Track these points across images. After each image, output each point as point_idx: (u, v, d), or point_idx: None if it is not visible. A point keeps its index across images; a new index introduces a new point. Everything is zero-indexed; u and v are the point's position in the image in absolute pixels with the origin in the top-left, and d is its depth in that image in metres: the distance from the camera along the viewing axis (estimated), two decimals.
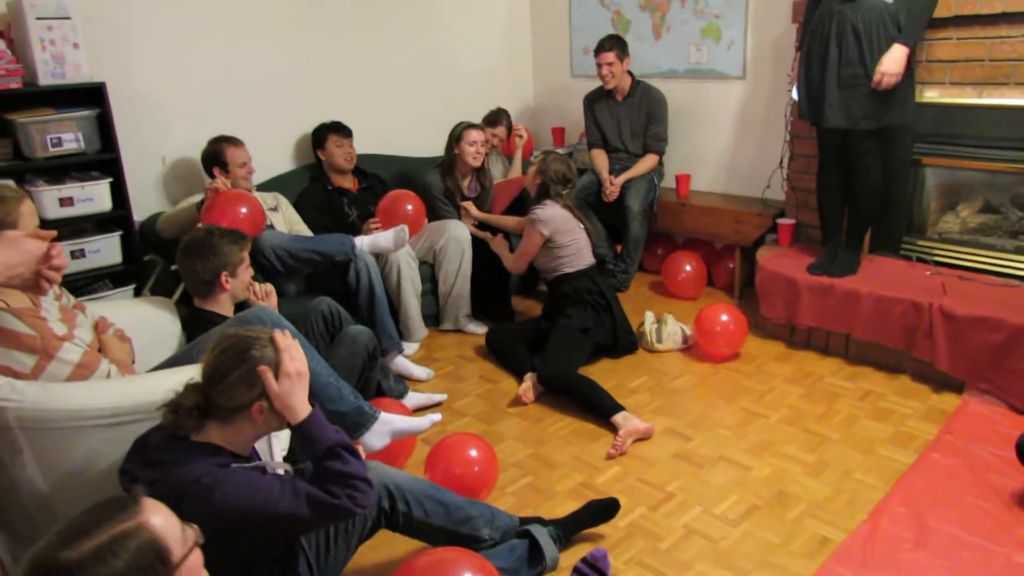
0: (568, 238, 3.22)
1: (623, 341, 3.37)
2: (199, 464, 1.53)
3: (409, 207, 3.44)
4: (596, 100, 4.37)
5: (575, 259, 3.27)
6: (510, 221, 3.61)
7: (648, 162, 4.26)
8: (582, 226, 3.28)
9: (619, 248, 4.17)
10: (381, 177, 3.99)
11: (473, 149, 3.73)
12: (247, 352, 1.61)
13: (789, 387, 3.19)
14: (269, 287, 2.63)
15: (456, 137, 3.75)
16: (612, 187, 4.12)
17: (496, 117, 4.34)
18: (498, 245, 3.57)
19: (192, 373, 1.81)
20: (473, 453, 2.36)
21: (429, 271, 3.76)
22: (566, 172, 3.24)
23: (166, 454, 1.57)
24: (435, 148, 4.62)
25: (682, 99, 4.42)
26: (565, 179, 3.25)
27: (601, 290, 3.29)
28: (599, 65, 4.11)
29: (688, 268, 4.10)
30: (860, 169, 3.26)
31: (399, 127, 4.44)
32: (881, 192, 3.34)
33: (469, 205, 3.72)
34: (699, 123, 4.41)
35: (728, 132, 4.32)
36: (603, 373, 3.36)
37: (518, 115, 5.20)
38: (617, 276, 4.10)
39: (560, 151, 4.61)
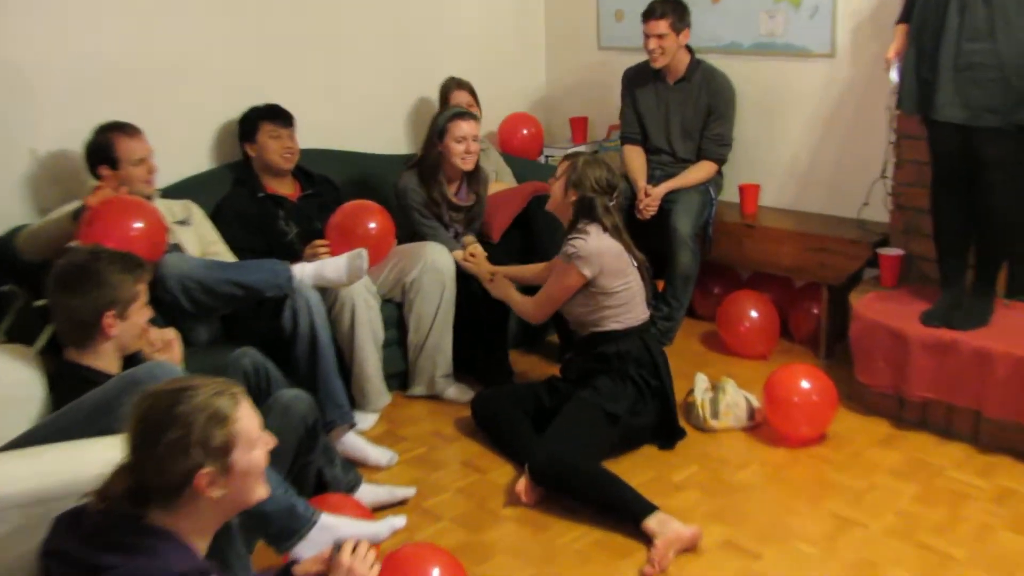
0: (619, 282, 3.25)
1: (672, 435, 3.41)
2: (179, 559, 1.64)
3: (371, 225, 3.47)
4: (640, 80, 4.40)
5: (625, 312, 3.29)
6: (534, 272, 3.65)
7: (702, 171, 4.31)
8: (635, 262, 3.31)
9: (660, 285, 4.16)
10: (332, 181, 4.01)
11: (462, 147, 3.78)
12: (174, 409, 1.68)
13: (896, 484, 3.18)
14: (171, 333, 2.65)
15: (439, 131, 3.80)
16: (648, 200, 4.15)
17: (449, 87, 4.39)
18: (501, 288, 3.60)
19: (64, 455, 1.84)
20: (435, 573, 2.33)
21: (396, 313, 3.76)
22: (608, 177, 3.29)
23: (124, 535, 1.66)
24: (406, 144, 4.70)
25: (749, 83, 4.45)
26: (609, 186, 3.29)
27: (655, 362, 3.30)
28: (646, 36, 4.18)
29: (755, 315, 4.10)
30: (989, 183, 3.29)
31: (358, 115, 4.46)
32: (1019, 216, 3.36)
33: (476, 250, 3.79)
34: (772, 116, 4.45)
35: (811, 129, 4.37)
36: (636, 460, 3.34)
37: (525, 100, 5.26)
38: (657, 324, 4.07)
39: (582, 149, 4.68)
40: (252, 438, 1.77)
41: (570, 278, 3.25)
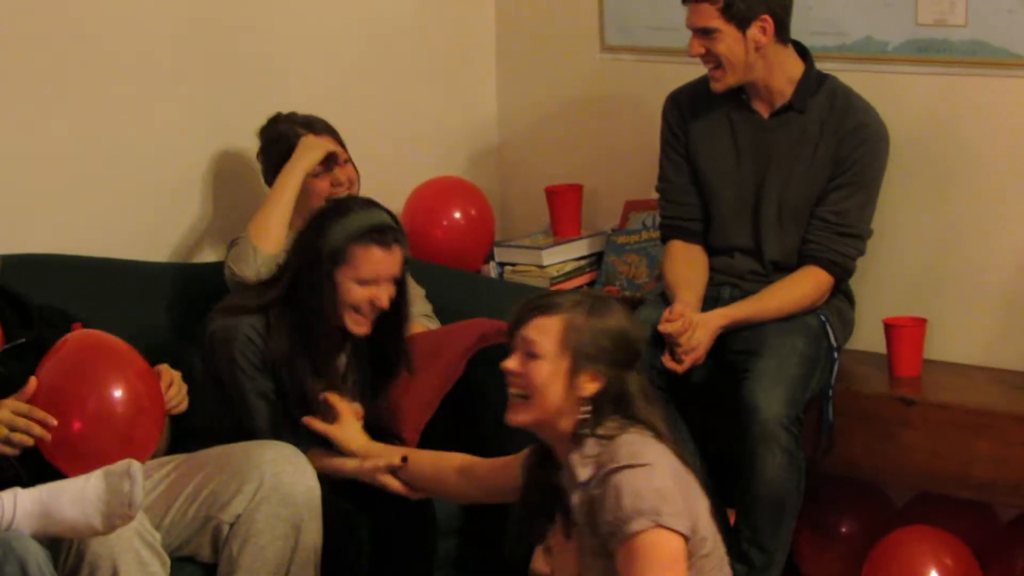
0: (704, 528, 2.73)
1: None
2: None
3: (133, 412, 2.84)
4: (702, 109, 3.66)
5: None
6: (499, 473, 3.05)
7: (801, 287, 3.57)
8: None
9: (731, 516, 3.49)
10: (69, 315, 3.26)
11: (366, 294, 3.19)
12: None
13: None
14: None
15: (333, 254, 3.18)
16: (682, 333, 3.37)
17: (282, 139, 3.68)
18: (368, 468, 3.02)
19: None
20: None
21: None
22: (626, 329, 2.74)
23: None
24: (206, 246, 4.05)
25: (904, 117, 3.70)
26: (628, 346, 2.71)
27: None
28: (693, 38, 3.52)
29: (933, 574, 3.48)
30: None
31: (124, 194, 3.77)
32: None
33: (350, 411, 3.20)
34: (947, 181, 3.70)
35: None
36: None
37: (458, 153, 4.40)
38: None
39: (564, 250, 4.01)
40: None
41: (668, 557, 2.62)
